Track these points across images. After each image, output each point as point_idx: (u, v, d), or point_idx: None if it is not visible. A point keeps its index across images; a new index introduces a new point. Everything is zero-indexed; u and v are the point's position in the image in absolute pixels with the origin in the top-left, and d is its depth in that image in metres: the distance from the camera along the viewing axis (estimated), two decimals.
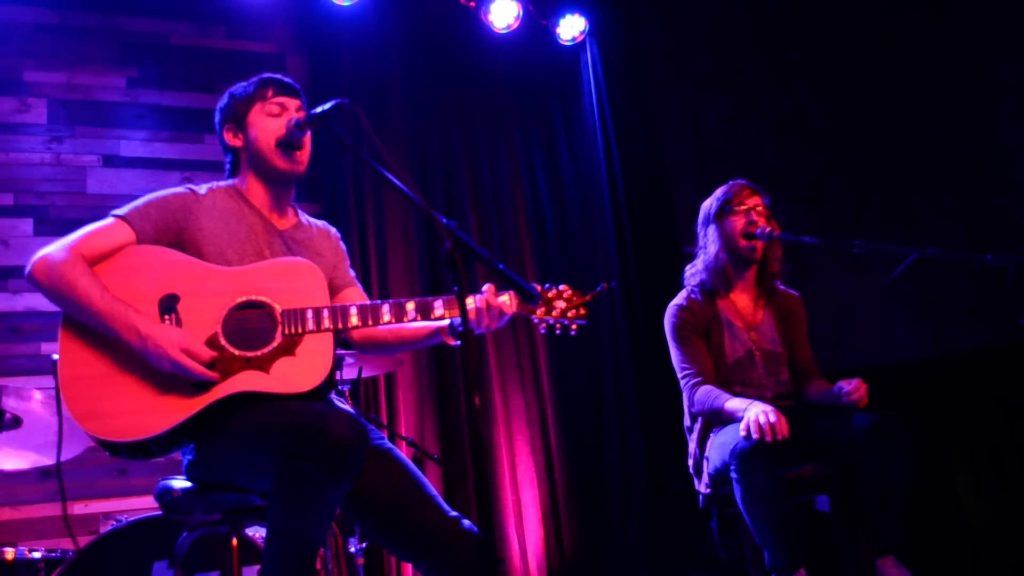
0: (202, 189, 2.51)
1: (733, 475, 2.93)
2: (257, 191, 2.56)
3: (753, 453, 2.86)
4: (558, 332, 2.53)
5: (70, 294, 2.20)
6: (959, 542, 4.44)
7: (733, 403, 3.10)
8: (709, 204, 3.52)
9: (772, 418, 2.87)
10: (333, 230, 2.77)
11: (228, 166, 2.63)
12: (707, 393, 3.24)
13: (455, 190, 5.41)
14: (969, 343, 4.66)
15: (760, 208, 3.41)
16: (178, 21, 5.15)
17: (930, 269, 3.08)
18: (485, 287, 2.44)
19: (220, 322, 2.27)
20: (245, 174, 2.58)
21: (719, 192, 3.50)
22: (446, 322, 2.47)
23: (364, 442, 2.06)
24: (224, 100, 2.62)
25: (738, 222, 3.40)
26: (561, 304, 2.53)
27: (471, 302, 2.38)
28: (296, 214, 2.67)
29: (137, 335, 2.17)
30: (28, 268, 2.27)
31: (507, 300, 2.45)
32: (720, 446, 3.08)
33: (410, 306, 2.38)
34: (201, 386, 2.20)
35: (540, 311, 2.51)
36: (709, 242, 3.49)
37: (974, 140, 4.80)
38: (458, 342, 2.46)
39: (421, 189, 5.24)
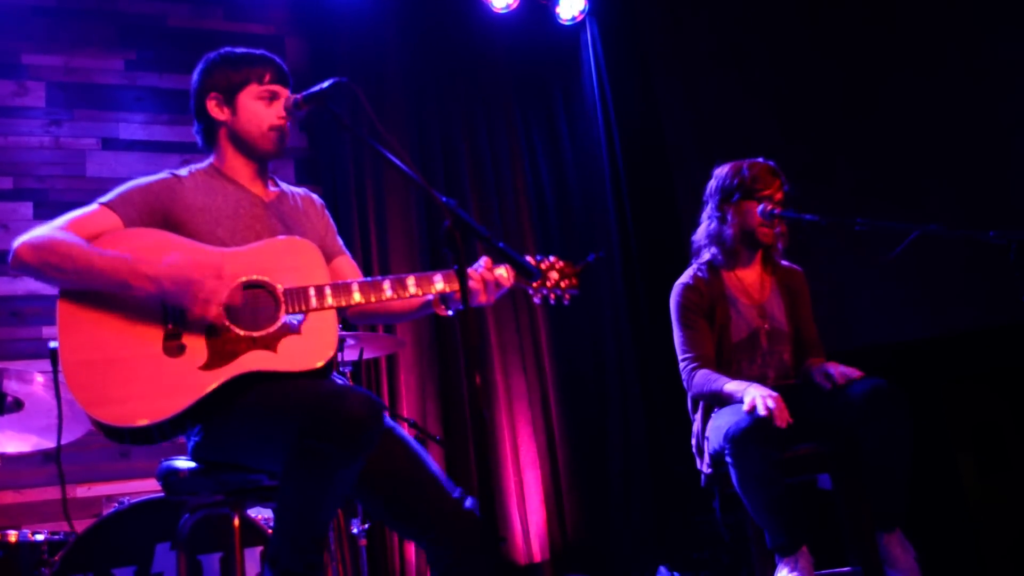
0: (183, 172, 2.50)
1: (727, 459, 2.93)
2: (237, 167, 2.53)
3: (746, 437, 2.85)
4: (552, 302, 2.56)
5: (66, 262, 2.16)
6: (961, 521, 4.46)
7: (732, 385, 3.10)
8: (729, 178, 3.38)
9: (771, 404, 2.87)
10: (316, 197, 2.74)
11: (201, 136, 2.57)
12: (705, 377, 3.23)
13: (455, 171, 5.39)
14: (970, 321, 4.65)
15: (780, 196, 3.33)
16: (176, 3, 5.12)
17: (931, 247, 3.07)
18: (481, 260, 2.44)
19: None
20: (224, 149, 2.54)
21: (744, 169, 3.35)
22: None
23: (380, 421, 2.05)
24: (214, 60, 2.52)
25: (760, 208, 3.32)
26: (554, 275, 2.55)
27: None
28: (276, 183, 2.65)
29: (148, 279, 2.14)
30: (11, 254, 2.20)
31: (504, 273, 2.46)
32: (715, 429, 3.09)
33: (410, 281, 2.39)
34: (209, 367, 2.18)
35: (535, 283, 2.52)
36: (723, 217, 3.40)
37: (975, 118, 4.78)
38: (449, 312, 2.49)
39: (421, 170, 5.22)
